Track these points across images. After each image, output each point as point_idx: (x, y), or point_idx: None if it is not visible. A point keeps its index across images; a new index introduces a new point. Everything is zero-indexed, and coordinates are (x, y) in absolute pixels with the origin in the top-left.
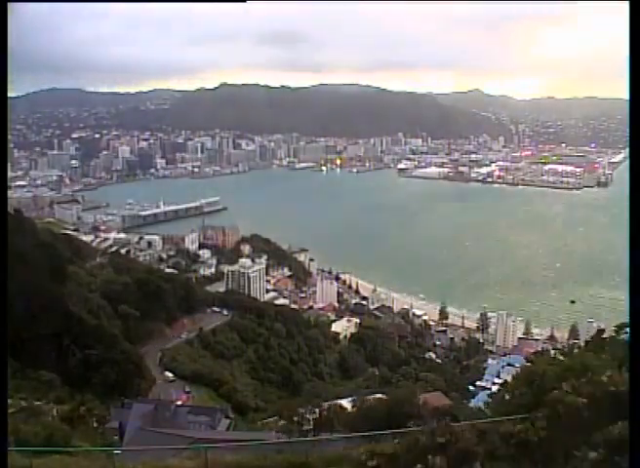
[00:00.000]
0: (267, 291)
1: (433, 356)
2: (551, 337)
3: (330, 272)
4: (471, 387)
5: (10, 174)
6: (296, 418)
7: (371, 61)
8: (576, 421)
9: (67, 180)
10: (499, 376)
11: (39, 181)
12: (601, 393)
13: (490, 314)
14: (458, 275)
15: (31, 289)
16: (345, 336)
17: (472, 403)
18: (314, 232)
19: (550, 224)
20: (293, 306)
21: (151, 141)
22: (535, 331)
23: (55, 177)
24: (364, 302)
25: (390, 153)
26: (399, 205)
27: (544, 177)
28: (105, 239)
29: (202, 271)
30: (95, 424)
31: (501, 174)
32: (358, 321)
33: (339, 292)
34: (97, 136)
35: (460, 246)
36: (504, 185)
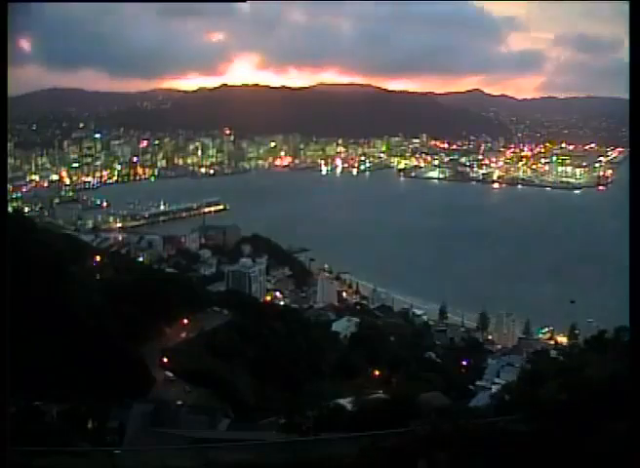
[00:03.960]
0: (268, 290)
1: (433, 356)
2: (551, 337)
3: (330, 272)
4: (471, 387)
5: (10, 174)
6: (296, 418)
7: (371, 62)
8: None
9: (67, 180)
10: (498, 376)
11: (39, 181)
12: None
13: (489, 314)
14: None
15: (31, 289)
16: (345, 336)
17: (472, 402)
18: (314, 232)
19: None
20: (293, 306)
21: (151, 141)
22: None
23: (55, 177)
24: (364, 302)
25: (390, 153)
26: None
27: (544, 177)
28: (105, 239)
29: (202, 271)
30: (95, 424)
31: (501, 173)
32: (358, 321)
33: (339, 292)
34: (97, 135)
35: None
36: (504, 185)
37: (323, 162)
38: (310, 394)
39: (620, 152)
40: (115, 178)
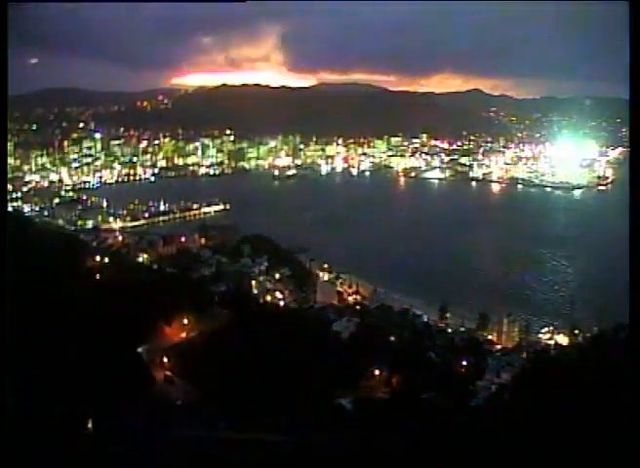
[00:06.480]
0: (268, 290)
1: (433, 356)
2: (551, 337)
3: (330, 272)
4: (471, 387)
5: (10, 174)
6: (296, 418)
7: (371, 62)
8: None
9: (68, 180)
10: (499, 376)
11: (39, 181)
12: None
13: (489, 313)
14: None
15: (31, 289)
16: (346, 336)
17: (472, 402)
18: (315, 232)
19: None
20: (293, 306)
21: (151, 141)
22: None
23: (55, 177)
24: (364, 302)
25: (391, 153)
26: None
27: (545, 178)
28: (105, 239)
29: (202, 271)
30: (95, 424)
31: (502, 173)
32: (358, 321)
33: (339, 292)
34: (97, 135)
35: None
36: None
37: (323, 162)
38: (310, 394)
39: (620, 152)
40: (115, 178)
